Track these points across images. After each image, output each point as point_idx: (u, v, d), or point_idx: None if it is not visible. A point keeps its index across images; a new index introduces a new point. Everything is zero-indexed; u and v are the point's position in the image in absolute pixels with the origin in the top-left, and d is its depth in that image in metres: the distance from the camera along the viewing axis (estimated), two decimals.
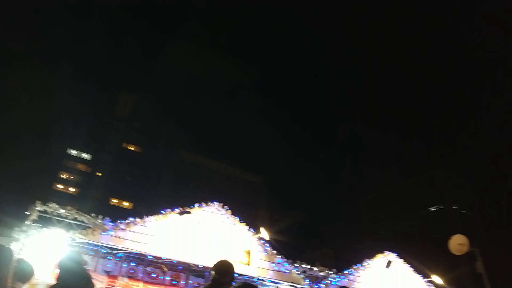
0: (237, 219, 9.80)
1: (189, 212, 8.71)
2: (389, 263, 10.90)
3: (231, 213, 9.77)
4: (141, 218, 8.56)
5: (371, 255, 11.64)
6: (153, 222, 8.59)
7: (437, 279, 11.46)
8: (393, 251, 11.92)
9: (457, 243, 10.25)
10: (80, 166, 58.86)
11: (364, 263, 11.13)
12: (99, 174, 57.98)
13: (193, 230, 8.96)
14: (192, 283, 8.74)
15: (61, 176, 55.60)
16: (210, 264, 8.11)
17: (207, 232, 9.12)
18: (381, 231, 51.01)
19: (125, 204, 56.75)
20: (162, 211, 8.83)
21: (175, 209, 8.89)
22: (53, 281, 5.03)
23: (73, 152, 58.56)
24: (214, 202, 9.71)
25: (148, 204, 50.42)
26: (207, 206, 9.47)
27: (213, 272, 4.54)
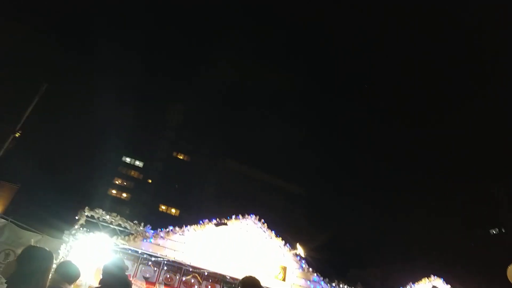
0: (273, 233, 9.76)
1: (225, 224, 8.86)
2: None
3: (267, 226, 9.77)
4: (181, 227, 8.85)
5: (416, 278, 10.99)
6: (191, 231, 8.83)
7: None
8: (440, 275, 11.17)
9: None
10: (133, 173, 62.05)
11: (408, 287, 10.53)
12: (149, 181, 60.82)
13: (230, 242, 9.07)
14: None
15: (115, 182, 58.90)
16: (245, 275, 8.09)
17: (243, 245, 9.19)
18: (433, 250, 47.85)
19: (172, 210, 58.80)
20: (200, 222, 9.06)
21: (213, 220, 9.07)
22: (95, 284, 5.34)
23: (127, 160, 61.90)
24: (251, 215, 9.77)
25: (194, 211, 51.82)
26: (243, 218, 9.56)
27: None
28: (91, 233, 7.82)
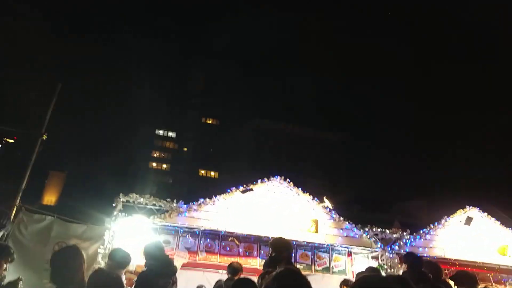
0: (300, 190, 10.03)
1: (251, 190, 9.21)
2: (468, 219, 10.22)
3: (293, 184, 10.04)
4: (211, 197, 9.32)
5: (447, 210, 11.02)
6: (221, 200, 9.29)
7: None
8: (476, 205, 11.10)
9: None
10: (168, 144, 64.22)
11: (443, 221, 10.61)
12: (185, 149, 62.81)
13: (259, 205, 9.48)
14: (264, 253, 9.34)
15: (154, 155, 61.42)
16: (280, 234, 8.59)
17: (273, 205, 9.57)
18: (478, 176, 46.89)
19: (212, 174, 60.95)
20: (228, 190, 9.48)
21: (240, 187, 9.45)
22: (142, 263, 5.89)
23: (160, 132, 63.84)
24: (276, 177, 10.04)
25: (232, 171, 53.44)
26: (269, 181, 9.86)
27: (270, 249, 4.87)
28: (129, 217, 8.46)
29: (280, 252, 4.42)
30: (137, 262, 7.47)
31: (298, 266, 9.50)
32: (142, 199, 8.86)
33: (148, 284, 4.85)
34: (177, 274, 6.11)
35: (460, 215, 10.74)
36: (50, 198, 26.80)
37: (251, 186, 9.39)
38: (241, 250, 9.50)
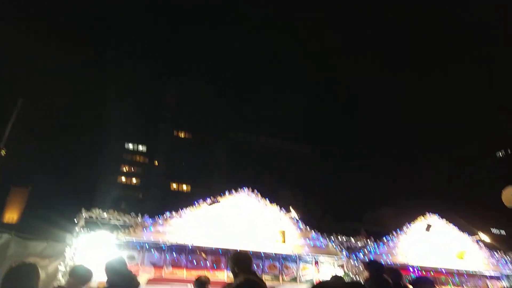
0: (267, 200, 10.13)
1: (218, 202, 9.23)
2: (428, 226, 10.66)
3: (260, 195, 10.13)
4: (177, 211, 9.24)
5: (413, 218, 11.44)
6: (188, 214, 9.23)
7: (484, 236, 11.02)
8: (436, 212, 11.61)
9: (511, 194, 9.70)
10: (139, 158, 62.83)
11: (405, 228, 11.00)
12: (156, 163, 61.67)
13: (227, 217, 9.48)
14: None
15: (123, 169, 59.84)
16: (248, 246, 8.53)
17: (240, 218, 9.60)
18: (441, 184, 48.91)
19: (184, 187, 60.03)
20: (194, 203, 9.44)
21: (207, 199, 9.43)
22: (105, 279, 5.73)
23: (130, 146, 62.43)
24: (244, 188, 10.11)
25: (206, 185, 52.86)
26: (237, 192, 9.91)
27: (230, 263, 4.89)
28: (92, 232, 8.24)
29: (239, 266, 4.47)
30: (100, 279, 7.28)
31: (266, 277, 9.56)
32: (105, 214, 8.66)
33: None
34: None
35: (420, 222, 11.18)
36: (11, 215, 25.42)
37: (218, 198, 9.40)
38: (208, 263, 9.44)
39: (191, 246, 9.02)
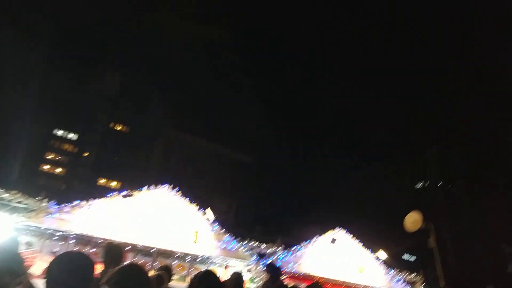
0: (187, 200, 10.17)
1: (131, 195, 9.06)
2: (333, 240, 11.43)
3: (181, 194, 10.13)
4: (88, 200, 8.90)
5: (322, 231, 12.18)
6: (99, 205, 8.92)
7: (382, 254, 12.08)
8: (345, 227, 12.47)
9: (412, 220, 10.74)
10: (67, 147, 58.73)
11: (313, 240, 11.67)
12: (85, 154, 58.11)
13: (143, 212, 9.33)
14: (140, 263, 9.15)
15: (47, 157, 55.56)
16: (159, 244, 8.40)
17: (156, 214, 9.49)
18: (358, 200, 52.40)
19: (113, 184, 57.17)
20: (107, 195, 9.17)
21: (121, 192, 9.22)
22: None
23: (59, 133, 58.24)
24: (165, 184, 10.05)
25: (137, 184, 50.88)
26: (157, 188, 9.82)
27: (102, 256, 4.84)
28: None
29: (108, 259, 4.45)
30: None
31: (173, 278, 9.50)
32: (6, 195, 8.08)
33: None
34: (38, 281, 5.67)
35: (329, 235, 11.94)
36: None
37: (133, 192, 9.23)
38: None
39: (97, 238, 8.70)
